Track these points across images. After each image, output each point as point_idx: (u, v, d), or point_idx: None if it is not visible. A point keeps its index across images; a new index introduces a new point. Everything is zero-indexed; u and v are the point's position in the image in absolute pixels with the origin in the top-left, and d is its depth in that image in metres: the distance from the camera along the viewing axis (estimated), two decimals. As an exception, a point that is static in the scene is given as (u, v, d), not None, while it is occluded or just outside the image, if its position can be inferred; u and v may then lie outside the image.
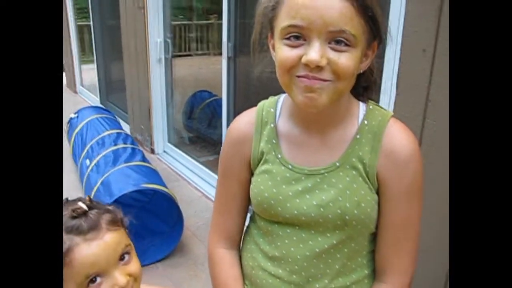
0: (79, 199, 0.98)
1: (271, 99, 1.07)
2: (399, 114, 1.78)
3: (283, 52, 0.85)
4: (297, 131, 1.00)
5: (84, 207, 0.94)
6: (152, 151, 4.65)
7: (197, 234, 3.13)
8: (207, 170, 3.94)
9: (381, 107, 1.01)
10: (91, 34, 6.71)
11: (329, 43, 0.82)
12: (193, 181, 3.98)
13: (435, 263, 1.81)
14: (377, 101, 1.91)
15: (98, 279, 0.91)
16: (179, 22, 4.92)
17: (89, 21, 6.64)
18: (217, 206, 1.14)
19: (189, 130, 4.91)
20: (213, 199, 3.57)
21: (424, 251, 1.82)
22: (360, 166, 0.94)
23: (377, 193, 0.96)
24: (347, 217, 0.94)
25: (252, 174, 1.05)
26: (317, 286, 1.00)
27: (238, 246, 1.15)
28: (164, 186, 2.90)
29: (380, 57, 1.98)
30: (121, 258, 0.95)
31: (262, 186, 1.00)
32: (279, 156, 1.00)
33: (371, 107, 0.99)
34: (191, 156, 4.26)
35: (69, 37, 7.55)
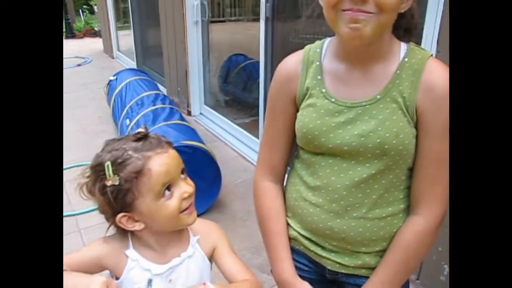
0: (137, 130, 1.07)
1: (317, 42, 1.12)
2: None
3: None
4: (341, 67, 1.05)
5: (144, 130, 1.04)
6: (189, 113, 4.75)
7: (234, 192, 3.22)
8: (243, 131, 4.01)
9: (422, 48, 1.05)
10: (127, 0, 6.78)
11: None
12: (229, 142, 4.06)
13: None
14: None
15: (170, 189, 1.02)
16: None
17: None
18: (264, 142, 1.21)
19: (225, 93, 4.97)
20: (249, 159, 3.67)
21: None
22: (400, 100, 0.99)
23: (416, 128, 1.00)
24: (386, 147, 0.99)
25: (297, 111, 1.11)
26: (355, 215, 1.06)
27: (282, 180, 1.22)
28: (203, 143, 2.98)
29: (420, 8, 1.97)
30: (181, 173, 1.05)
31: (307, 119, 1.06)
32: (323, 90, 1.05)
33: (412, 46, 1.03)
34: (227, 118, 4.34)
35: (106, 3, 7.65)
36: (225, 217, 2.92)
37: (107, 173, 0.97)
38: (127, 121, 3.61)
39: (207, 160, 2.86)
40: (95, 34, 10.40)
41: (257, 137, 3.68)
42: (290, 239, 1.19)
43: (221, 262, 1.14)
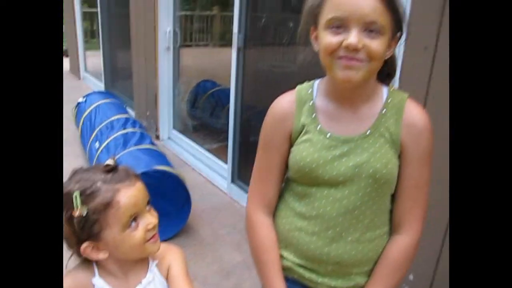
0: (106, 162, 1.10)
1: (307, 83, 1.26)
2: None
3: (327, 38, 1.06)
4: (333, 107, 1.19)
5: (113, 163, 1.08)
6: (157, 137, 4.78)
7: (202, 217, 3.27)
8: (211, 157, 4.08)
9: (399, 90, 1.22)
10: (97, 20, 6.79)
11: (364, 31, 1.03)
12: (197, 167, 4.12)
13: (429, 245, 1.96)
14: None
15: (136, 220, 1.07)
16: (183, 13, 5.03)
17: (96, 8, 6.72)
18: (257, 175, 1.29)
19: (194, 118, 5.04)
20: (216, 184, 3.74)
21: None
22: (387, 135, 1.15)
23: (398, 158, 1.16)
24: (377, 176, 1.13)
25: (291, 146, 1.22)
26: (349, 239, 1.18)
27: (273, 213, 1.30)
28: (173, 168, 3.03)
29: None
30: (147, 204, 1.11)
31: (305, 153, 1.17)
32: (318, 127, 1.18)
33: (392, 89, 1.20)
34: (195, 143, 4.40)
35: (74, 22, 7.63)
36: (194, 242, 2.97)
37: (75, 203, 0.99)
38: (97, 144, 3.62)
39: (177, 186, 2.91)
40: (61, 53, 10.30)
41: (225, 163, 3.76)
42: (284, 269, 1.26)
43: (172, 284, 1.17)
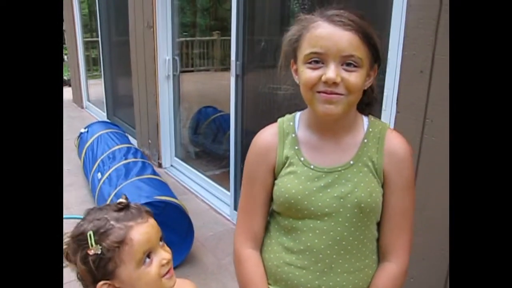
0: (119, 200, 1.12)
1: (288, 116, 1.28)
2: (399, 129, 1.92)
3: (306, 74, 1.09)
4: (315, 138, 1.21)
5: (125, 201, 1.10)
6: (160, 165, 4.79)
7: (206, 245, 3.25)
8: (214, 183, 4.07)
9: (379, 120, 1.24)
10: (98, 50, 6.87)
11: (342, 65, 1.06)
12: (200, 194, 4.10)
13: (435, 270, 1.93)
14: (379, 117, 2.05)
15: (150, 256, 1.08)
16: (183, 39, 5.08)
17: (97, 37, 6.80)
18: (243, 209, 1.30)
19: (195, 145, 5.04)
20: (220, 211, 3.72)
21: (424, 259, 1.94)
22: (370, 164, 1.16)
23: (382, 187, 1.18)
24: (362, 205, 1.14)
25: (275, 179, 1.22)
26: (339, 270, 1.17)
27: (260, 247, 1.30)
28: (175, 198, 3.03)
29: (381, 79, 2.13)
30: (160, 240, 1.12)
31: (289, 184, 1.17)
32: (302, 159, 1.19)
33: (372, 119, 1.23)
34: (198, 170, 4.40)
35: (76, 53, 7.71)
36: (197, 271, 2.94)
37: (89, 242, 1.02)
38: (99, 174, 3.62)
39: (180, 215, 2.90)
40: (64, 83, 10.37)
41: (228, 190, 3.74)
42: None
43: None
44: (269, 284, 1.26)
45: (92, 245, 1.02)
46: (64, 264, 1.06)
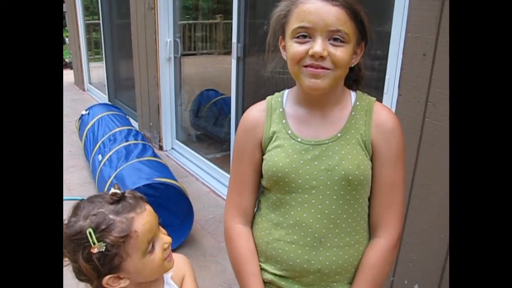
0: (111, 191, 1.08)
1: (276, 93, 1.28)
2: (401, 114, 1.91)
3: (294, 48, 1.09)
4: (303, 112, 1.21)
5: (120, 192, 1.06)
6: (161, 148, 4.78)
7: (205, 227, 3.26)
8: (214, 166, 4.07)
9: (366, 94, 1.24)
10: (100, 32, 6.83)
11: (329, 40, 1.06)
12: (201, 177, 4.11)
13: (435, 255, 1.93)
14: (380, 101, 2.03)
15: (153, 244, 1.07)
16: (185, 22, 5.04)
17: (98, 20, 6.76)
18: (233, 186, 1.30)
19: (197, 128, 5.03)
20: (220, 194, 3.72)
21: (423, 243, 1.95)
22: (357, 136, 1.16)
23: (371, 160, 1.17)
24: (350, 177, 1.13)
25: (263, 155, 1.23)
26: (329, 245, 1.17)
27: (250, 223, 1.30)
28: (175, 180, 3.03)
29: (383, 62, 2.11)
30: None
31: (276, 158, 1.18)
32: (289, 132, 1.19)
33: (359, 93, 1.23)
34: (198, 153, 4.39)
35: (78, 35, 7.67)
36: (197, 253, 2.95)
37: (91, 240, 0.98)
38: (100, 156, 3.62)
39: (179, 197, 2.90)
40: (66, 65, 10.34)
41: (228, 172, 3.72)
42: (265, 283, 1.25)
43: None
44: (260, 262, 1.26)
45: (94, 243, 0.98)
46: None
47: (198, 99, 5.00)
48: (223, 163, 3.99)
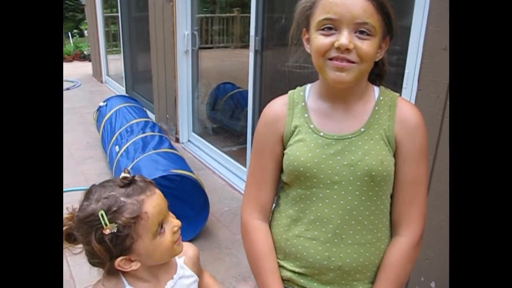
0: (122, 175, 1.10)
1: (299, 87, 1.26)
2: (420, 109, 1.88)
3: (319, 40, 1.07)
4: (325, 106, 1.19)
5: (130, 175, 1.09)
6: (177, 140, 4.81)
7: (221, 220, 3.27)
8: (230, 159, 4.07)
9: (389, 90, 1.22)
10: (118, 25, 6.88)
11: (355, 32, 1.04)
12: (217, 170, 4.12)
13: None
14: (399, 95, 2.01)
15: (163, 226, 1.09)
16: (203, 15, 5.04)
17: (117, 13, 6.80)
18: (252, 180, 1.28)
19: (213, 121, 5.04)
20: (236, 187, 3.72)
21: (441, 238, 1.92)
22: (381, 132, 1.14)
23: (394, 156, 1.15)
24: (373, 173, 1.11)
25: (284, 149, 1.21)
26: (350, 241, 1.15)
27: (268, 219, 1.28)
28: (192, 172, 3.04)
29: (402, 57, 2.08)
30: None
31: (298, 152, 1.15)
32: (311, 126, 1.17)
33: (383, 88, 1.21)
34: (215, 146, 4.40)
35: (96, 28, 7.73)
36: (212, 245, 2.96)
37: (103, 222, 1.00)
38: (117, 147, 3.65)
39: (195, 189, 2.91)
40: (84, 58, 10.43)
41: (245, 166, 3.75)
42: (283, 280, 1.23)
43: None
44: (278, 258, 1.24)
45: (106, 224, 1.01)
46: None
47: (214, 92, 5.01)
48: (239, 156, 3.99)
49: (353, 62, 1.05)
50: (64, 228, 1.06)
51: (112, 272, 1.11)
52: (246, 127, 3.65)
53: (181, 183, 3.07)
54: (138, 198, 1.04)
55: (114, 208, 1.02)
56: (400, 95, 2.00)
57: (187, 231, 2.93)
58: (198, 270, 1.28)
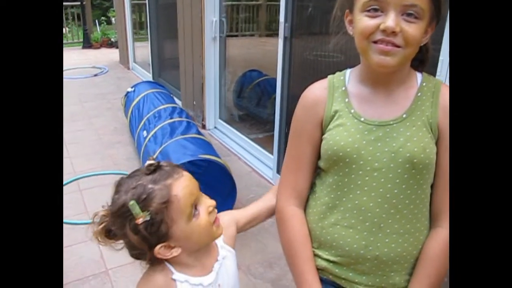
0: (147, 162, 1.08)
1: (338, 72, 1.23)
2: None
3: (363, 21, 1.03)
4: (366, 91, 1.15)
5: (155, 162, 1.07)
6: (204, 127, 4.83)
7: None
8: (257, 146, 4.08)
9: (433, 76, 1.18)
10: (145, 12, 6.92)
11: (402, 15, 0.99)
12: (243, 157, 4.13)
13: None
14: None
15: (197, 208, 1.07)
16: (229, 2, 5.03)
17: (145, 0, 6.84)
18: (289, 165, 1.25)
19: (240, 108, 5.05)
20: (262, 174, 3.73)
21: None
22: (424, 118, 1.10)
23: (436, 144, 1.11)
24: (415, 160, 1.07)
25: (322, 135, 1.18)
26: (388, 231, 1.12)
27: (304, 205, 1.25)
28: (219, 158, 3.05)
29: (438, 44, 2.04)
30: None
31: (338, 137, 1.13)
32: (352, 111, 1.14)
33: (425, 74, 1.17)
34: (241, 133, 4.41)
35: (124, 15, 7.79)
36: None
37: (134, 212, 0.99)
38: (144, 132, 3.68)
39: (223, 175, 2.93)
40: (111, 45, 10.53)
41: (271, 153, 3.74)
42: (318, 269, 1.20)
43: (246, 214, 1.32)
44: (313, 247, 1.21)
45: (138, 214, 0.99)
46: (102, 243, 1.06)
47: (241, 79, 5.00)
48: (266, 143, 3.99)
49: (398, 46, 1.01)
50: (102, 226, 1.05)
51: (155, 262, 1.09)
52: (273, 114, 3.64)
53: (209, 169, 3.07)
54: (166, 183, 1.03)
55: (144, 196, 1.00)
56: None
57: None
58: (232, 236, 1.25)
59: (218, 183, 3.01)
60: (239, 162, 4.08)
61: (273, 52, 3.52)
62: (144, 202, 1.00)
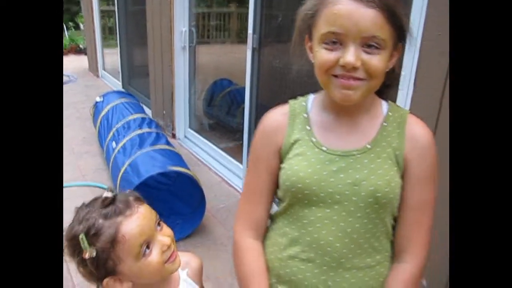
0: (104, 195, 1.08)
1: (300, 98, 1.18)
2: (415, 110, 1.91)
3: (322, 55, 0.97)
4: (329, 119, 1.09)
5: (111, 195, 1.06)
6: (174, 136, 4.82)
7: (217, 216, 3.29)
8: (227, 156, 4.09)
9: (398, 105, 1.14)
10: (115, 19, 6.85)
11: (362, 46, 0.93)
12: (213, 166, 4.14)
13: (444, 251, 1.94)
14: (395, 96, 2.02)
15: (149, 246, 1.05)
16: (200, 10, 5.04)
17: (114, 6, 6.78)
18: (245, 194, 1.20)
19: (210, 117, 5.05)
20: (232, 184, 3.75)
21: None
22: (389, 150, 1.05)
23: (402, 177, 1.06)
24: (378, 195, 1.02)
25: (281, 163, 1.12)
26: (348, 266, 1.07)
27: (262, 237, 1.19)
28: (188, 169, 3.06)
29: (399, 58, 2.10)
30: (156, 226, 1.09)
31: (297, 167, 1.06)
32: (313, 139, 1.08)
33: (391, 103, 1.12)
34: (211, 142, 4.42)
35: (93, 22, 7.70)
36: (207, 242, 2.98)
37: (82, 246, 0.98)
38: (114, 143, 3.66)
39: (192, 186, 2.94)
40: (80, 51, 10.39)
41: (241, 163, 3.77)
42: None
43: None
44: (272, 281, 1.15)
45: (86, 249, 0.98)
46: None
47: (211, 88, 5.02)
48: (236, 152, 4.01)
49: (361, 79, 0.95)
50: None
51: None
52: (242, 124, 3.67)
53: (178, 180, 3.09)
54: (116, 220, 1.01)
55: (93, 232, 0.99)
56: (396, 96, 2.05)
57: (184, 227, 2.96)
58: (201, 282, 1.23)
59: (187, 195, 3.02)
60: (209, 172, 4.09)
61: (243, 60, 3.55)
62: (92, 238, 0.99)
